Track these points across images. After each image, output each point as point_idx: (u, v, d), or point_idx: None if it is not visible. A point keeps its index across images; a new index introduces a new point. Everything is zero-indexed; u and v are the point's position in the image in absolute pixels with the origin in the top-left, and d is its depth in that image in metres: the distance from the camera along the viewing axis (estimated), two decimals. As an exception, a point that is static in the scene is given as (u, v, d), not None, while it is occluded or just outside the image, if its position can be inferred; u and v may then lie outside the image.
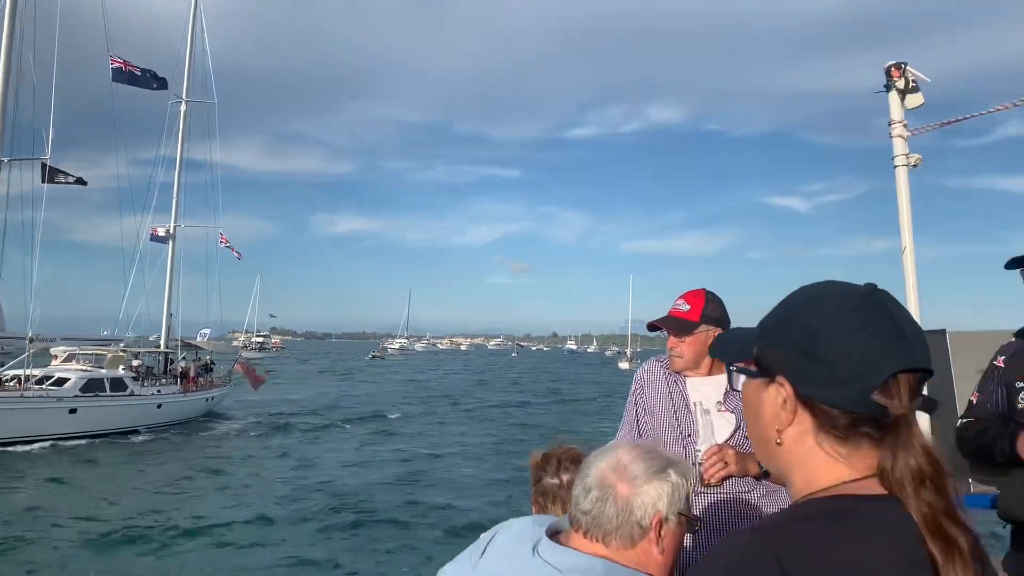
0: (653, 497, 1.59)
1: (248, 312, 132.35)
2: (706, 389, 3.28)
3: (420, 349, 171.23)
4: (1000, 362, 3.06)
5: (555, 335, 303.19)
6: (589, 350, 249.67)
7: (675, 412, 3.28)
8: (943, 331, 3.67)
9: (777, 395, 1.13)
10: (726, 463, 2.98)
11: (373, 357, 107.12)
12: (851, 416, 1.08)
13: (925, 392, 1.14)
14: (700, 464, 3.11)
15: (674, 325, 3.30)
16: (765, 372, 1.16)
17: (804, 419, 1.12)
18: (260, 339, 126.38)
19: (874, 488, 1.06)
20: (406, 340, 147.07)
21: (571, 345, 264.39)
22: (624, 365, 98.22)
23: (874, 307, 1.12)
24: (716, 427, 3.21)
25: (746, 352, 1.19)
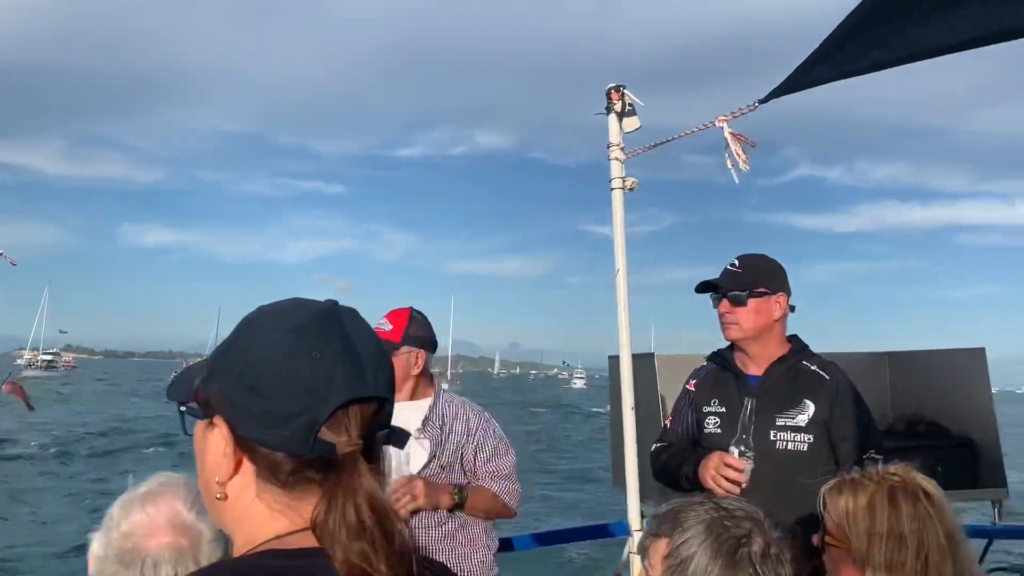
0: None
1: (34, 328, 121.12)
2: (406, 415, 3.14)
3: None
4: (691, 386, 3.08)
5: None
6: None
7: None
8: (651, 355, 3.71)
9: (219, 439, 0.93)
10: (414, 496, 2.83)
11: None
12: (296, 460, 0.90)
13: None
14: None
15: None
16: (206, 411, 0.95)
17: (247, 468, 0.93)
18: (48, 357, 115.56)
19: (308, 541, 0.89)
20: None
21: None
22: (444, 386, 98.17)
23: (326, 327, 0.94)
24: (413, 456, 3.07)
25: (191, 387, 0.98)
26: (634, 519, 3.34)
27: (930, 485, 1.83)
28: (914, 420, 4.14)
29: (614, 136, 3.50)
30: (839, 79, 2.44)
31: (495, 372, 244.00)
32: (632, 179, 3.63)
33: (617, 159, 3.53)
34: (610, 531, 3.23)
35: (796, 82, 2.54)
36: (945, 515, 1.78)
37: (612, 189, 3.56)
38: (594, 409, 63.37)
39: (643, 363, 3.76)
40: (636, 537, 3.33)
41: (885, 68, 2.30)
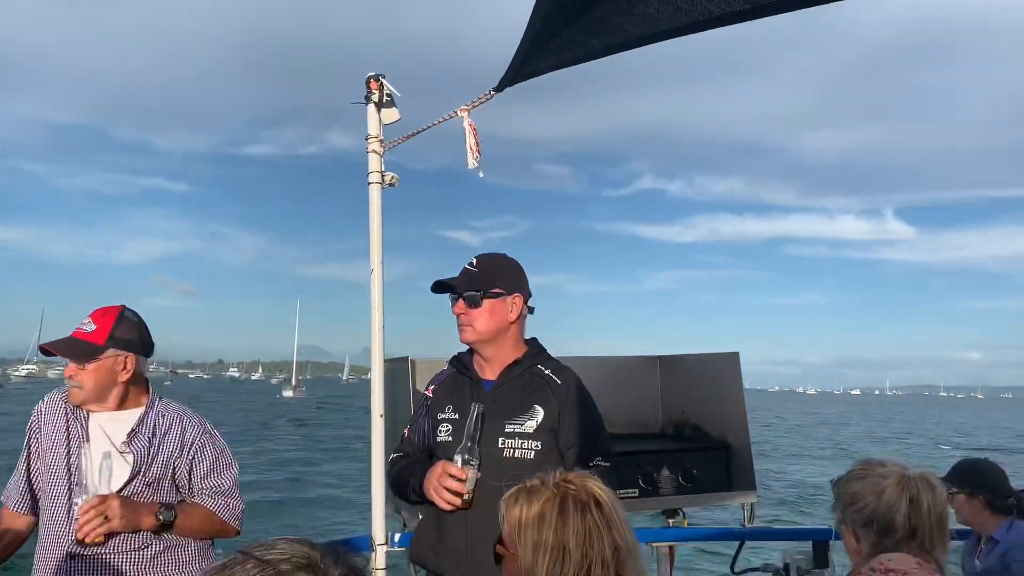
0: None
1: None
2: (113, 427, 2.81)
3: (55, 376, 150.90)
4: (429, 391, 2.91)
5: (221, 361, 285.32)
6: (254, 377, 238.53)
7: (69, 456, 2.77)
8: (406, 359, 3.53)
9: None
10: (107, 517, 2.51)
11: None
12: None
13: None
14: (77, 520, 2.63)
15: (72, 349, 2.78)
16: None
17: None
18: None
19: None
20: (34, 367, 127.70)
21: (233, 372, 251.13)
22: (288, 393, 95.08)
23: None
24: (114, 473, 2.72)
25: None
26: (378, 533, 3.14)
27: (604, 495, 1.74)
28: (681, 423, 4.18)
29: (372, 128, 3.29)
30: (561, 67, 2.36)
31: (344, 377, 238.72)
32: (392, 174, 3.42)
33: (375, 152, 3.32)
34: (353, 545, 3.01)
35: (520, 72, 2.44)
36: (615, 526, 1.70)
37: (369, 184, 3.34)
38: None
39: (399, 367, 3.57)
40: (380, 552, 3.14)
41: (603, 56, 2.23)
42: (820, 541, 3.38)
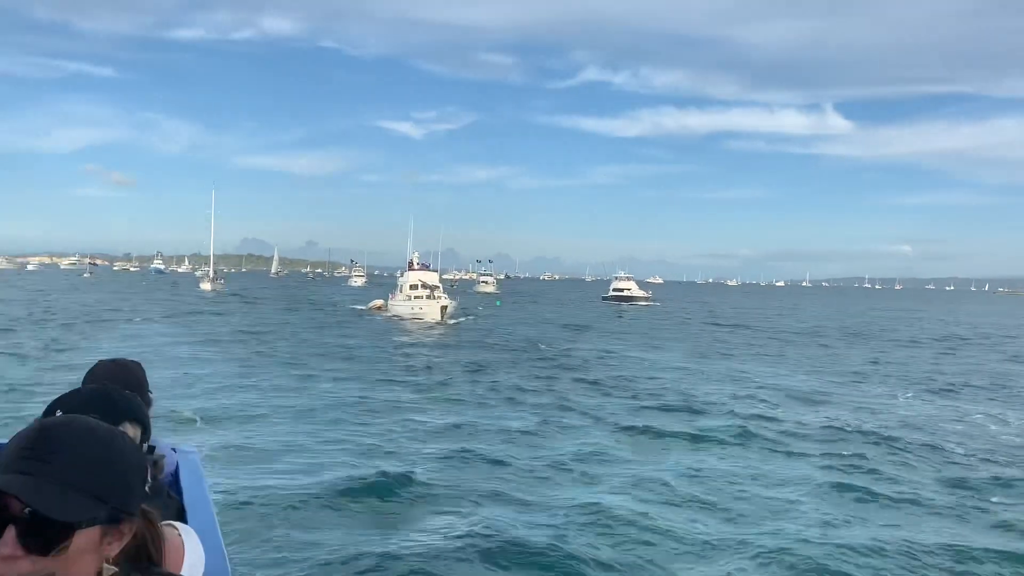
0: None
1: None
2: None
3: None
4: None
5: (160, 255, 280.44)
6: (180, 270, 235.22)
7: None
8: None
9: None
10: None
11: None
12: None
13: None
14: None
15: None
16: None
17: None
18: None
19: None
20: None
21: (158, 264, 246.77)
22: (206, 286, 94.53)
23: None
24: None
25: None
26: None
27: None
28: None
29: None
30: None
31: (273, 270, 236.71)
32: None
33: None
34: None
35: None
36: None
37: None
38: (356, 306, 64.66)
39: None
40: None
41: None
42: None
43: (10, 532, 1.07)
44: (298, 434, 14.76)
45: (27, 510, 1.06)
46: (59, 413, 1.42)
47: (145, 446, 1.75)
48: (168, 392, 18.83)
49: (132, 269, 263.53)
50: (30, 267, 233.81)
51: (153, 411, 2.44)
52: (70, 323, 39.42)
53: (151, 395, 2.53)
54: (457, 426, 16.07)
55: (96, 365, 2.49)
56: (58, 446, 1.12)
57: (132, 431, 1.69)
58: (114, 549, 1.20)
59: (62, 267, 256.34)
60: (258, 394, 19.48)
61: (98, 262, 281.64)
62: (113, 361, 2.55)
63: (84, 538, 1.12)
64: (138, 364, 2.60)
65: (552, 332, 44.93)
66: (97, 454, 1.14)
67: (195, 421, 15.60)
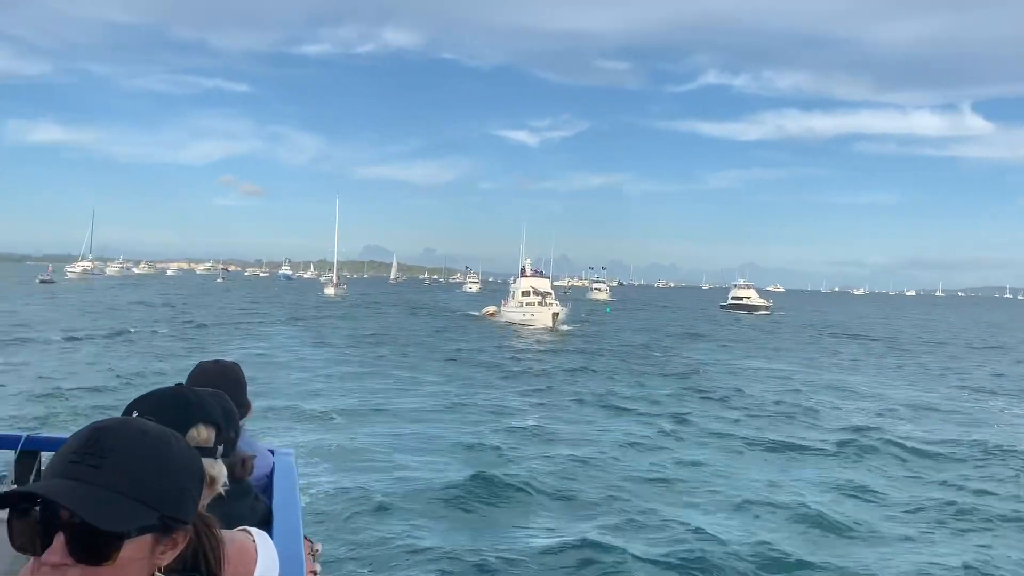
0: None
1: None
2: None
3: (113, 273, 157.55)
4: None
5: (288, 261, 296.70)
6: (305, 276, 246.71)
7: None
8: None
9: None
10: None
11: (41, 282, 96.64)
12: None
13: None
14: None
15: None
16: None
17: None
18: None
19: None
20: (90, 263, 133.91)
21: (286, 270, 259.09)
22: (329, 292, 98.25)
23: None
24: None
25: None
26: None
27: None
28: None
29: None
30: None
31: (391, 277, 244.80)
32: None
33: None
34: None
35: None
36: None
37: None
38: (470, 312, 65.86)
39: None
40: None
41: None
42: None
43: (59, 540, 1.05)
44: (404, 435, 15.19)
45: (75, 518, 1.03)
46: (135, 414, 1.43)
47: (220, 448, 1.70)
48: (292, 391, 19.83)
49: (262, 275, 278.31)
50: (169, 272, 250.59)
51: (252, 412, 2.56)
52: (204, 324, 42.08)
53: (248, 399, 2.53)
54: (561, 432, 16.10)
55: (196, 366, 2.53)
56: (109, 451, 1.09)
57: (205, 433, 1.66)
58: (167, 558, 1.16)
59: (198, 272, 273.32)
60: (372, 395, 20.17)
61: (230, 268, 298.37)
62: (213, 363, 2.58)
63: (134, 547, 1.08)
64: (236, 366, 2.61)
65: (664, 340, 44.28)
66: (149, 459, 1.11)
67: (331, 417, 16.48)
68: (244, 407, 2.30)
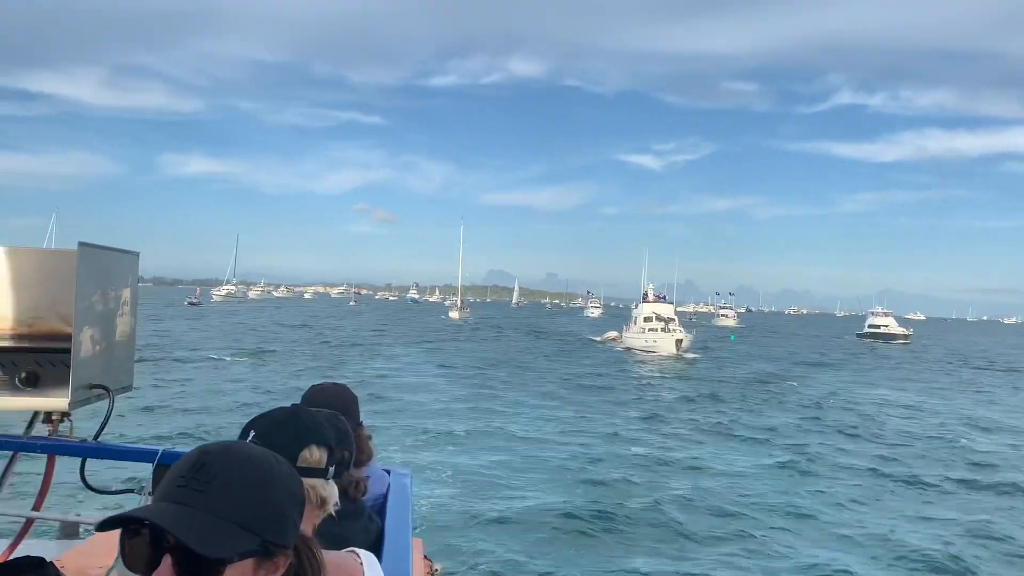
0: None
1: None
2: None
3: (255, 297, 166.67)
4: None
5: (416, 285, 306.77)
6: (431, 299, 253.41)
7: None
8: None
9: None
10: None
11: (189, 304, 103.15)
12: None
13: None
14: None
15: None
16: None
17: None
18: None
19: None
20: (234, 287, 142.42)
21: (413, 294, 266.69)
22: (454, 315, 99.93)
23: None
24: None
25: None
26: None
27: None
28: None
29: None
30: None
31: (513, 301, 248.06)
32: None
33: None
34: None
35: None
36: None
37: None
38: (591, 337, 65.73)
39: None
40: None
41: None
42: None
43: (166, 562, 1.09)
44: (522, 457, 15.38)
45: (180, 542, 1.07)
46: (252, 432, 1.52)
47: (332, 468, 1.70)
48: (416, 410, 20.46)
49: (391, 298, 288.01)
50: (306, 296, 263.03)
51: (368, 431, 2.63)
52: (339, 344, 44.04)
53: (361, 421, 2.60)
54: (680, 462, 15.82)
55: (310, 388, 2.60)
56: (214, 476, 1.12)
57: (317, 454, 1.66)
58: None
59: (332, 295, 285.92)
60: (491, 416, 20.51)
61: (362, 291, 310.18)
62: (332, 384, 2.67)
63: (236, 571, 1.11)
64: (346, 388, 2.67)
65: (793, 369, 42.62)
66: (252, 484, 1.13)
67: (452, 437, 16.95)
68: (356, 428, 2.33)
